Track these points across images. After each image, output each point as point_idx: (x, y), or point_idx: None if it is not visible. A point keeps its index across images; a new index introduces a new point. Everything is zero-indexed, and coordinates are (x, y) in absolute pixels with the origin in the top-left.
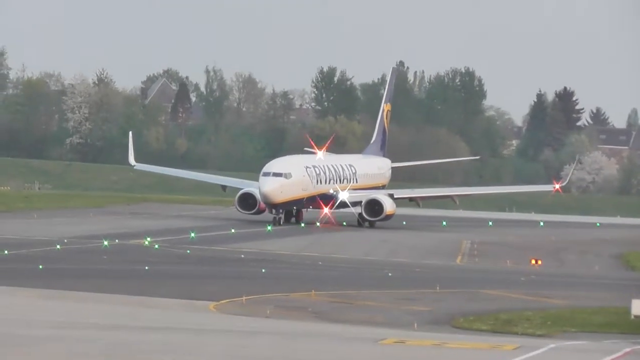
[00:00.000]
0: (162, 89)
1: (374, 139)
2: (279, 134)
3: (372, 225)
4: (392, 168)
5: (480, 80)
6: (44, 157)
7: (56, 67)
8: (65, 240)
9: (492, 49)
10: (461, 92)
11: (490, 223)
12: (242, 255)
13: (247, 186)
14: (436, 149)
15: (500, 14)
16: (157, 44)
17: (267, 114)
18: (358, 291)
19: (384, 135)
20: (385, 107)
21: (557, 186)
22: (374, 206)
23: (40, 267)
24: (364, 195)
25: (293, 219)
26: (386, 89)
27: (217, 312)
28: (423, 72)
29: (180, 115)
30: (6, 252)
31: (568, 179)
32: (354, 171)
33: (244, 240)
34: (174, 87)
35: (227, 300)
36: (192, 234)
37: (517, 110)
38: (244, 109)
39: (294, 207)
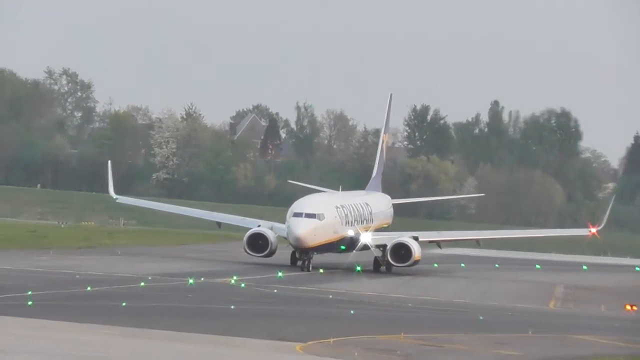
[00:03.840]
0: (252, 125)
1: (374, 173)
2: (369, 172)
3: (388, 270)
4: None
5: (576, 121)
6: (129, 193)
7: (144, 101)
8: (150, 278)
9: (588, 90)
10: (557, 133)
11: (585, 267)
12: (330, 296)
13: (252, 224)
14: (530, 190)
15: (595, 55)
16: (247, 79)
17: (358, 152)
18: (448, 334)
19: (382, 169)
20: (384, 137)
21: (593, 230)
22: (399, 250)
23: (124, 304)
24: (388, 238)
25: (299, 263)
26: (385, 118)
27: (304, 354)
28: (518, 112)
29: (269, 151)
30: (89, 288)
31: (604, 222)
32: (370, 210)
33: (331, 281)
34: (264, 123)
35: (314, 342)
36: (280, 274)
37: (614, 153)
38: (334, 147)
39: (324, 251)
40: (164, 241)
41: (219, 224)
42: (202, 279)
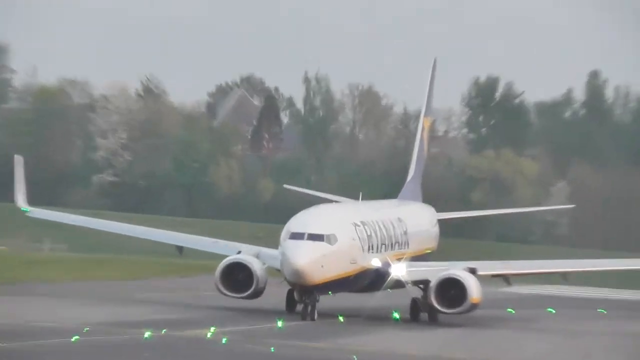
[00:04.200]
0: (239, 105)
1: (410, 175)
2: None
3: (432, 318)
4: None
5: None
6: (59, 204)
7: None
8: (86, 329)
9: None
10: None
11: None
12: (355, 357)
13: (228, 249)
14: None
15: None
16: (232, 39)
17: (394, 145)
18: None
19: (423, 169)
20: (424, 122)
21: None
22: (449, 289)
23: None
24: (432, 272)
25: (299, 308)
26: (427, 95)
27: None
28: (628, 87)
29: (264, 144)
30: None
31: None
32: (404, 229)
33: (352, 334)
34: (257, 102)
35: None
36: (279, 323)
37: None
38: (360, 137)
39: (336, 290)
40: (109, 274)
41: (179, 249)
42: (164, 330)
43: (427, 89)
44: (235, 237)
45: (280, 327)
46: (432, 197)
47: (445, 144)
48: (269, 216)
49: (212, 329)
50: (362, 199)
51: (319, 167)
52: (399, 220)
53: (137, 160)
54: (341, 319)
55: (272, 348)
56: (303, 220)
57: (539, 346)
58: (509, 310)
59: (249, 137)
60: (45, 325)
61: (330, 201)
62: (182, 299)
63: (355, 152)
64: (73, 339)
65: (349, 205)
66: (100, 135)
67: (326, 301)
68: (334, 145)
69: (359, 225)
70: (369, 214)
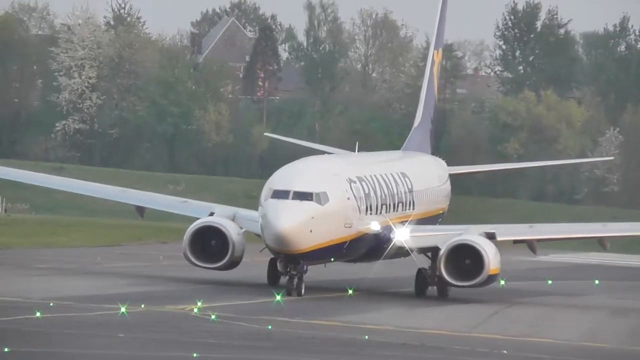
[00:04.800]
0: (229, 37)
1: (418, 119)
2: (436, 119)
3: (442, 292)
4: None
5: None
6: (15, 156)
7: None
8: (52, 304)
9: None
10: None
11: None
12: (367, 337)
13: (199, 211)
14: None
15: None
16: None
17: (415, 85)
18: None
19: (434, 112)
20: (434, 55)
21: None
22: (462, 258)
23: (6, 349)
24: (442, 237)
25: (284, 280)
26: (437, 21)
27: None
28: None
29: (260, 84)
30: None
31: None
32: (409, 186)
33: (361, 310)
34: (251, 33)
35: None
36: (278, 297)
37: None
38: (373, 75)
39: (327, 259)
40: (77, 241)
41: (139, 211)
42: (142, 305)
43: (438, 12)
44: (225, 195)
45: (279, 301)
46: (456, 148)
47: (474, 84)
48: (265, 171)
49: (199, 303)
50: (358, 151)
51: (325, 112)
52: (403, 175)
53: (108, 104)
54: (350, 292)
55: (268, 325)
56: (288, 176)
57: (581, 320)
58: (548, 281)
59: (241, 76)
60: (4, 299)
61: (321, 153)
62: (157, 269)
63: (367, 94)
64: (36, 315)
65: (343, 157)
66: (63, 74)
67: (315, 272)
68: (342, 86)
69: (354, 182)
70: (366, 168)
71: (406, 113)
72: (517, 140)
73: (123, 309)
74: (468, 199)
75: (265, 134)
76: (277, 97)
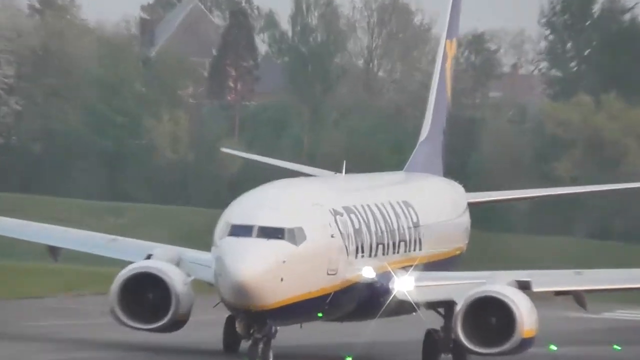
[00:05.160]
0: (191, 25)
1: (427, 130)
2: (462, 131)
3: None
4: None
5: None
6: None
7: None
8: None
9: None
10: None
11: None
12: None
13: (132, 252)
14: None
15: None
16: None
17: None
18: None
19: (446, 120)
20: (447, 47)
21: None
22: (486, 316)
23: None
24: (457, 287)
25: (247, 344)
26: (450, 5)
27: None
28: None
29: (231, 85)
30: None
31: None
32: (414, 220)
33: None
34: (219, 20)
35: None
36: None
37: None
38: (380, 74)
39: (303, 318)
40: None
41: (52, 253)
42: None
43: None
44: (182, 230)
45: None
46: (488, 169)
47: (513, 86)
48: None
49: None
50: (345, 171)
51: (315, 121)
52: (406, 205)
53: (30, 111)
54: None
55: None
56: (251, 206)
57: None
58: (615, 347)
59: (206, 74)
60: None
61: (298, 175)
62: (77, 330)
63: (372, 98)
64: None
65: (326, 181)
66: None
67: (287, 333)
68: (338, 88)
69: (340, 214)
70: (357, 195)
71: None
72: (569, 159)
73: None
74: (498, 236)
75: (223, 149)
76: (253, 102)
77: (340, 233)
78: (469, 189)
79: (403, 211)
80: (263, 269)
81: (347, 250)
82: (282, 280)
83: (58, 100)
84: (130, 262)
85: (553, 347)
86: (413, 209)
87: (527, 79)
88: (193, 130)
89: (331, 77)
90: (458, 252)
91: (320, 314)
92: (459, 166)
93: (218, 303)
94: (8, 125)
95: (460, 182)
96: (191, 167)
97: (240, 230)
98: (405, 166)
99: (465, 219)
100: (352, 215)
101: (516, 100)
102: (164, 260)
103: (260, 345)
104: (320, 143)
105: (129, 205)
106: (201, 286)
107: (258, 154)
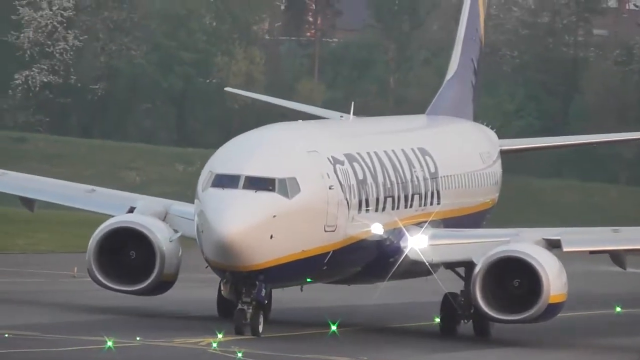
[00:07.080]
0: None
1: (454, 67)
2: (563, 72)
3: (481, 329)
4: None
5: None
6: None
7: None
8: (7, 335)
9: None
10: None
11: None
12: None
13: (116, 206)
14: None
15: None
16: None
17: (535, 24)
18: None
19: (479, 56)
20: None
21: None
22: (508, 278)
23: None
24: (477, 246)
25: (240, 309)
26: None
27: None
28: None
29: (310, 19)
30: None
31: None
32: (431, 170)
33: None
34: None
35: None
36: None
37: None
38: (500, 16)
39: (299, 280)
40: (41, 243)
41: (28, 204)
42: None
43: None
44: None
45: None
46: (592, 115)
47: (619, 23)
48: None
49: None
50: (353, 114)
51: (403, 60)
52: (422, 152)
53: (91, 48)
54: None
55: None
56: (237, 153)
57: None
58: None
59: (283, 7)
60: None
61: (305, 117)
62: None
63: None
64: None
65: (327, 125)
66: (25, 3)
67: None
68: (429, 24)
69: (341, 162)
70: (362, 141)
71: (521, 63)
72: None
73: (110, 343)
74: (530, 182)
75: (227, 89)
76: (335, 40)
77: (341, 184)
78: (568, 133)
79: (418, 160)
80: (250, 225)
81: (348, 203)
82: (272, 237)
83: (121, 36)
84: (110, 216)
85: (618, 309)
86: (431, 157)
87: (635, 16)
88: (268, 69)
89: (420, 11)
90: (486, 207)
91: (309, 279)
92: (561, 109)
93: (207, 265)
94: (67, 63)
95: (560, 126)
96: (266, 110)
97: (225, 181)
98: (428, 108)
99: (496, 169)
100: (356, 164)
101: (623, 39)
102: (148, 214)
103: (250, 312)
104: (407, 85)
105: (198, 151)
106: (192, 242)
107: (339, 96)
